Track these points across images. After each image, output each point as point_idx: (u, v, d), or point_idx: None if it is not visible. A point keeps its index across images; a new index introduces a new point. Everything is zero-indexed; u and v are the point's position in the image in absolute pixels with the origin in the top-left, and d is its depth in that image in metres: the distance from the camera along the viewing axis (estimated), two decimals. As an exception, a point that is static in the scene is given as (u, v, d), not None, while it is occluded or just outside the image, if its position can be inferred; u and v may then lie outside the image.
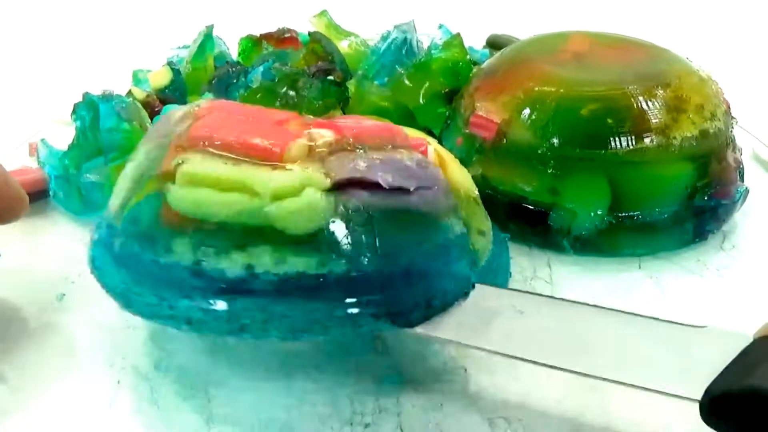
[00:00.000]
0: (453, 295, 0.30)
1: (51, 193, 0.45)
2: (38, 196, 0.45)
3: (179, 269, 0.28)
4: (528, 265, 0.39)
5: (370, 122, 0.33)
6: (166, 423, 0.30)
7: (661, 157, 0.38)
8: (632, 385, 0.26)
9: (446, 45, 0.51)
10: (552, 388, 0.31)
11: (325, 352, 0.33)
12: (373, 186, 0.28)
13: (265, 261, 0.27)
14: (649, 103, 0.38)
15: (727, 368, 0.25)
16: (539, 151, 0.39)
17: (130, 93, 0.49)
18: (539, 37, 0.46)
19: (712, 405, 0.24)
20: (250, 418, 0.30)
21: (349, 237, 0.28)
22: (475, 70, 0.47)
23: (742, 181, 0.42)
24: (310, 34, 0.53)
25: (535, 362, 0.28)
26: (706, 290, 0.38)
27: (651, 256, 0.40)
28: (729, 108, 0.42)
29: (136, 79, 0.53)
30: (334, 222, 0.28)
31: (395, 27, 0.52)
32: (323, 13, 0.57)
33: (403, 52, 0.51)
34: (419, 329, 0.29)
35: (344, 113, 0.47)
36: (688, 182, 0.39)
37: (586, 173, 0.38)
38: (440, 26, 0.59)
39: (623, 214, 0.38)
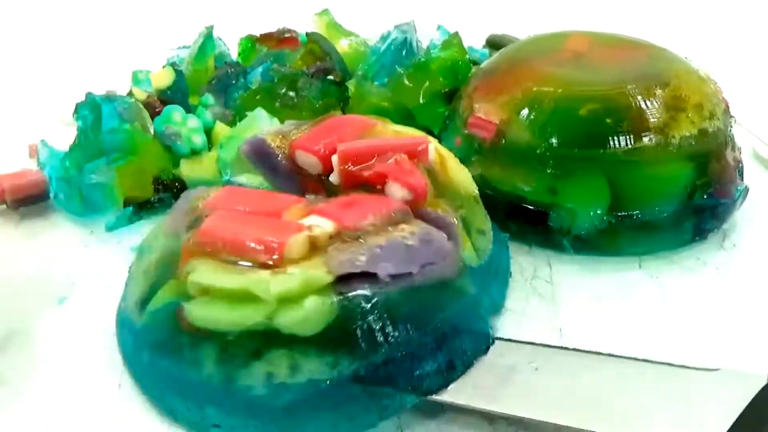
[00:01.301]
0: (473, 353, 0.31)
1: (52, 194, 0.45)
2: (38, 198, 0.45)
3: (211, 385, 0.29)
4: (528, 265, 0.39)
5: (369, 201, 0.33)
6: (167, 426, 0.30)
7: (660, 156, 0.38)
8: None
9: (445, 44, 0.51)
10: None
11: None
12: (375, 276, 0.29)
13: (282, 369, 0.28)
14: (648, 103, 0.38)
15: (742, 415, 0.25)
16: (538, 151, 0.39)
17: (131, 93, 0.49)
18: (538, 36, 0.46)
19: None
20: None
21: (358, 330, 0.28)
22: (473, 70, 0.47)
23: (742, 179, 0.42)
24: (307, 34, 0.53)
25: (553, 423, 0.28)
26: (706, 289, 0.38)
27: (651, 255, 0.40)
28: (728, 107, 0.42)
29: (136, 80, 0.53)
30: (339, 323, 0.28)
31: (395, 27, 0.52)
32: (325, 11, 0.57)
33: (403, 52, 0.51)
34: (440, 397, 0.30)
35: (344, 113, 0.47)
36: (687, 181, 0.39)
37: (586, 173, 0.38)
38: (439, 27, 0.59)
39: (623, 214, 0.38)
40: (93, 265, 0.39)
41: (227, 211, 0.32)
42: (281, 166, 0.37)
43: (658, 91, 0.39)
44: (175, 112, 0.45)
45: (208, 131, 0.46)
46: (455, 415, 0.30)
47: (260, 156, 0.38)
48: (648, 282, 0.38)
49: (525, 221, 0.40)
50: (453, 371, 0.30)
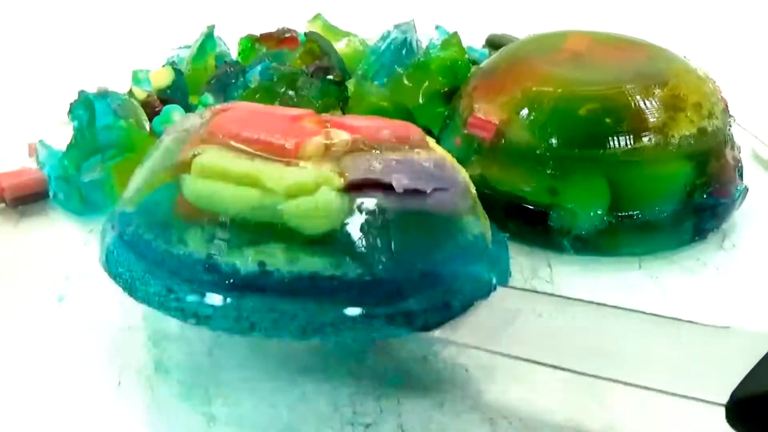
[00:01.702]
0: (472, 296, 0.30)
1: (51, 194, 0.45)
2: (38, 197, 0.45)
3: (192, 262, 0.28)
4: (528, 265, 0.39)
5: (386, 122, 0.33)
6: (167, 424, 0.30)
7: (659, 156, 0.38)
8: (655, 390, 0.26)
9: (444, 44, 0.51)
10: (554, 388, 0.31)
11: (326, 352, 0.33)
12: (387, 188, 0.28)
13: (277, 259, 0.27)
14: (647, 102, 0.38)
15: (752, 370, 0.25)
16: (538, 152, 0.39)
17: (130, 92, 0.49)
18: (537, 36, 0.46)
19: (739, 409, 0.24)
20: (251, 419, 0.30)
21: (363, 239, 0.27)
22: (473, 69, 0.47)
23: (742, 179, 0.42)
24: (306, 33, 0.53)
25: (554, 366, 0.27)
26: (706, 289, 0.38)
27: (651, 255, 0.40)
28: (727, 106, 0.42)
29: (136, 79, 0.53)
30: (348, 223, 0.27)
31: (395, 27, 0.52)
32: (317, 16, 0.57)
33: (403, 52, 0.51)
34: (436, 333, 0.29)
35: (344, 113, 0.47)
36: (687, 181, 0.39)
37: (585, 173, 0.38)
38: (437, 27, 0.59)
39: (623, 214, 0.38)
40: (93, 264, 0.38)
41: (245, 110, 0.32)
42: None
43: (658, 91, 0.39)
44: (175, 112, 0.45)
45: (207, 131, 0.46)
46: (456, 415, 0.30)
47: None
48: (648, 282, 0.38)
49: (525, 221, 0.40)
50: (449, 311, 0.29)
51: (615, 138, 0.38)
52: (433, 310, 0.29)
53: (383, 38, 0.52)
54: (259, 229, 0.28)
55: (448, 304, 0.29)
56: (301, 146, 0.29)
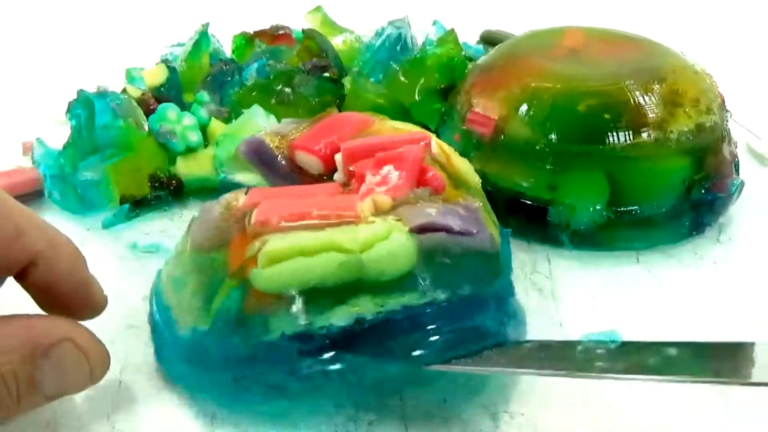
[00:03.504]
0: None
1: (46, 193, 0.44)
2: (33, 196, 0.44)
3: (283, 343, 0.28)
4: (528, 260, 0.39)
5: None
6: (170, 423, 0.30)
7: (658, 151, 0.38)
8: None
9: (441, 41, 0.51)
10: (555, 381, 0.31)
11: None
12: (444, 230, 0.30)
13: (367, 308, 0.28)
14: (646, 98, 0.38)
15: None
16: (537, 147, 0.39)
17: (124, 91, 0.49)
18: (534, 32, 0.46)
19: None
20: (254, 417, 0.30)
21: (439, 274, 0.29)
22: (470, 66, 0.47)
23: (738, 174, 0.42)
24: (303, 31, 0.53)
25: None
26: (703, 283, 0.38)
27: (649, 249, 0.40)
28: (724, 101, 0.42)
29: (130, 77, 0.53)
30: (423, 259, 0.29)
31: (389, 23, 0.52)
32: (318, 8, 0.57)
33: (398, 48, 0.51)
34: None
35: (340, 110, 0.47)
36: (685, 176, 0.39)
37: (584, 168, 0.38)
38: (434, 22, 0.59)
39: (621, 209, 0.38)
40: (90, 263, 0.38)
41: (271, 197, 0.32)
42: (280, 167, 0.37)
43: (656, 87, 0.39)
44: (170, 110, 0.45)
45: (203, 128, 0.46)
46: (459, 410, 0.30)
47: (258, 156, 0.38)
48: (646, 276, 0.38)
49: (524, 217, 0.40)
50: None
51: (614, 133, 0.38)
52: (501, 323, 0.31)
53: (378, 34, 0.52)
54: (347, 286, 0.28)
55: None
56: (357, 209, 0.30)
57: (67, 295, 0.29)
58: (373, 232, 0.29)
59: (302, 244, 0.28)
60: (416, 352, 0.29)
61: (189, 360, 0.30)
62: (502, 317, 0.31)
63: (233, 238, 0.30)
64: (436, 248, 0.29)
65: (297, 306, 0.28)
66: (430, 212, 0.30)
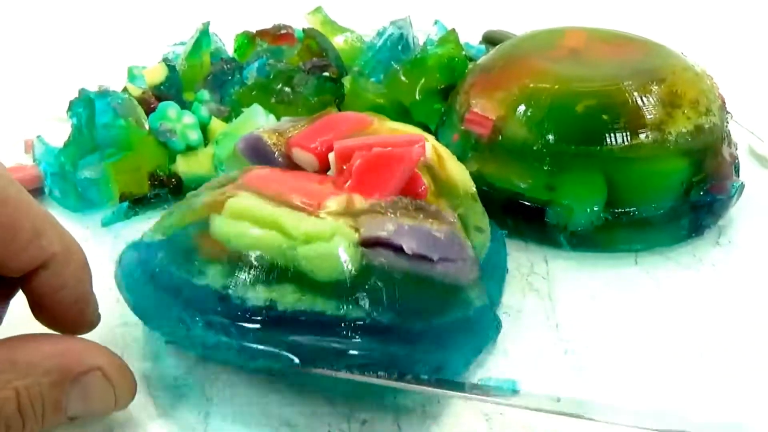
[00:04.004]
0: (460, 370, 0.31)
1: (46, 190, 0.44)
2: (33, 194, 0.44)
3: (206, 293, 0.29)
4: (525, 261, 0.39)
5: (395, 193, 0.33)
6: (165, 420, 0.30)
7: (656, 152, 0.38)
8: None
9: (442, 41, 0.51)
10: (547, 382, 0.31)
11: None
12: (398, 249, 0.29)
13: (286, 298, 0.28)
14: (645, 99, 0.38)
15: None
16: (535, 148, 0.39)
17: (125, 90, 0.49)
18: (535, 33, 0.46)
19: None
20: (248, 415, 0.30)
21: (369, 292, 0.28)
22: (470, 66, 0.47)
23: (738, 176, 0.42)
24: (304, 30, 0.53)
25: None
26: (701, 285, 0.38)
27: (647, 251, 0.40)
28: (724, 103, 0.42)
29: (131, 76, 0.53)
30: (356, 273, 0.28)
31: (391, 23, 0.52)
32: (318, 9, 0.57)
33: (399, 48, 0.51)
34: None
35: (340, 110, 0.47)
36: (683, 177, 0.39)
37: (582, 169, 0.38)
38: (436, 22, 0.59)
39: (619, 210, 0.38)
40: (89, 261, 0.38)
41: (274, 172, 0.34)
42: (277, 164, 0.37)
43: (655, 88, 0.39)
44: (170, 109, 0.45)
45: (203, 127, 0.46)
46: (452, 411, 0.30)
47: (256, 153, 0.38)
48: (644, 278, 0.38)
49: (522, 218, 0.40)
50: (439, 374, 0.30)
51: (612, 134, 0.38)
52: (425, 371, 0.29)
53: (379, 34, 0.52)
54: (274, 270, 0.29)
55: (439, 370, 0.30)
56: (322, 201, 0.31)
57: (66, 306, 0.28)
58: (317, 229, 0.29)
59: (257, 213, 0.30)
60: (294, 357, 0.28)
61: (142, 266, 0.32)
62: (435, 352, 0.29)
63: (227, 186, 0.33)
64: (376, 266, 0.29)
65: (226, 266, 0.29)
66: (390, 227, 0.30)
